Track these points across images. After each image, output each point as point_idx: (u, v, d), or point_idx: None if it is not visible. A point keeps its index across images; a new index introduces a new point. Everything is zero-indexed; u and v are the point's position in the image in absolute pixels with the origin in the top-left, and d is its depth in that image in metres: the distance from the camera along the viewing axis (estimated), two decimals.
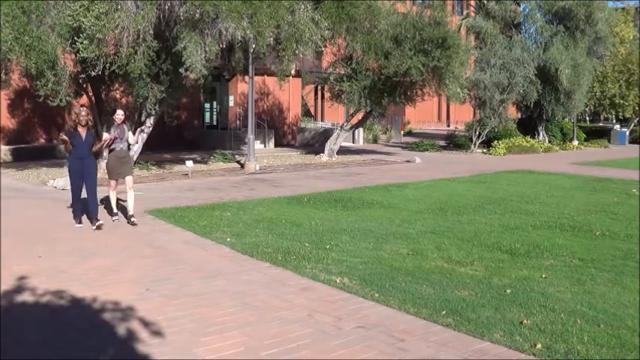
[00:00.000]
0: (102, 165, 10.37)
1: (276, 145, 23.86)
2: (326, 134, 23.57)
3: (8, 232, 7.25)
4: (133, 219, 8.07)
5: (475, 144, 23.43)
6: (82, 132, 7.79)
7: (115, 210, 8.36)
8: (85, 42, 11.33)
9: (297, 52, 13.42)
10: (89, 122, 8.11)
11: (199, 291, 5.09)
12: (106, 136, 8.18)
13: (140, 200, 10.12)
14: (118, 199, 8.56)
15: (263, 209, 9.25)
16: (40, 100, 12.63)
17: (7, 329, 4.13)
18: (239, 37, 12.04)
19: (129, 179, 8.24)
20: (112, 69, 11.88)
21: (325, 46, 17.18)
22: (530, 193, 11.54)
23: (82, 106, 8.36)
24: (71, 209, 8.30)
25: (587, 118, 40.14)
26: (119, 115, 8.28)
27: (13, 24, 11.20)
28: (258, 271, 5.72)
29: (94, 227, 7.70)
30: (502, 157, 21.57)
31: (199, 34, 11.74)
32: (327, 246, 6.75)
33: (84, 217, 8.10)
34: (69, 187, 8.50)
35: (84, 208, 8.07)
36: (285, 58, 13.57)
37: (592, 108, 32.21)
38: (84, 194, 8.00)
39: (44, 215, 8.82)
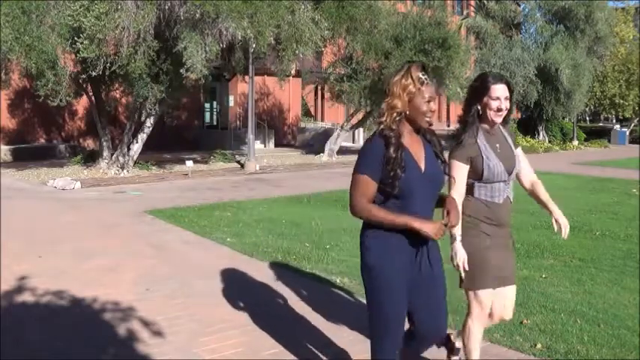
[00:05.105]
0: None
1: (276, 145, 23.86)
2: (326, 134, 23.57)
3: (8, 232, 7.25)
4: None
5: None
6: (417, 150, 2.63)
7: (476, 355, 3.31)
8: (86, 42, 11.33)
9: (297, 52, 13.42)
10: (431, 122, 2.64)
11: (199, 291, 5.08)
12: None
13: (140, 200, 10.14)
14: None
15: (263, 209, 9.25)
16: (40, 100, 12.64)
17: (7, 329, 4.13)
18: (239, 37, 12.04)
19: (512, 292, 3.26)
20: (112, 69, 11.88)
21: (325, 46, 17.18)
22: None
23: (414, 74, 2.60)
24: None
25: (587, 118, 40.15)
26: (499, 97, 3.01)
27: (13, 24, 11.20)
28: (258, 271, 5.72)
29: None
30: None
31: (200, 34, 11.74)
32: (327, 246, 6.75)
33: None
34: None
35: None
36: (285, 58, 13.58)
37: (592, 108, 32.24)
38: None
39: (44, 215, 8.82)
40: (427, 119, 2.60)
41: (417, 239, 2.57)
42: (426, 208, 2.61)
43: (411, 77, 2.56)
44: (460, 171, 3.03)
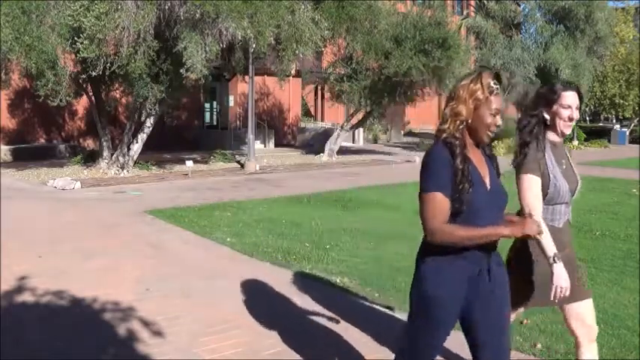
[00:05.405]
0: None
1: (276, 145, 23.86)
2: (326, 134, 23.56)
3: (8, 232, 7.25)
4: None
5: None
6: (481, 165, 2.39)
7: None
8: (86, 42, 11.33)
9: (297, 52, 13.43)
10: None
11: (199, 291, 5.09)
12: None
13: (140, 200, 10.14)
14: None
15: (263, 209, 9.25)
16: (40, 100, 12.64)
17: (7, 329, 4.13)
18: (239, 37, 12.04)
19: (587, 307, 2.94)
20: (112, 69, 11.88)
21: (325, 46, 17.19)
22: None
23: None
24: None
25: (587, 118, 40.13)
26: (571, 105, 2.76)
27: (13, 24, 11.20)
28: (258, 271, 5.72)
29: None
30: (502, 157, 21.51)
31: (200, 34, 11.74)
32: (327, 246, 6.75)
33: None
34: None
35: None
36: (285, 58, 13.58)
37: (592, 108, 32.21)
38: None
39: (44, 215, 8.82)
40: (489, 134, 2.36)
41: (479, 262, 2.34)
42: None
43: (481, 83, 2.31)
44: (537, 185, 2.70)
